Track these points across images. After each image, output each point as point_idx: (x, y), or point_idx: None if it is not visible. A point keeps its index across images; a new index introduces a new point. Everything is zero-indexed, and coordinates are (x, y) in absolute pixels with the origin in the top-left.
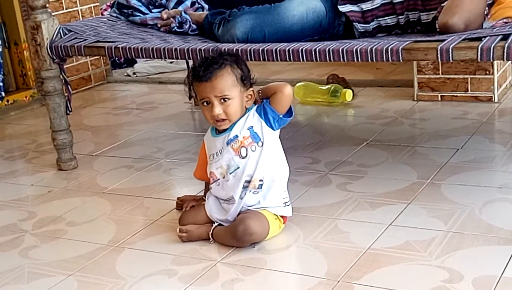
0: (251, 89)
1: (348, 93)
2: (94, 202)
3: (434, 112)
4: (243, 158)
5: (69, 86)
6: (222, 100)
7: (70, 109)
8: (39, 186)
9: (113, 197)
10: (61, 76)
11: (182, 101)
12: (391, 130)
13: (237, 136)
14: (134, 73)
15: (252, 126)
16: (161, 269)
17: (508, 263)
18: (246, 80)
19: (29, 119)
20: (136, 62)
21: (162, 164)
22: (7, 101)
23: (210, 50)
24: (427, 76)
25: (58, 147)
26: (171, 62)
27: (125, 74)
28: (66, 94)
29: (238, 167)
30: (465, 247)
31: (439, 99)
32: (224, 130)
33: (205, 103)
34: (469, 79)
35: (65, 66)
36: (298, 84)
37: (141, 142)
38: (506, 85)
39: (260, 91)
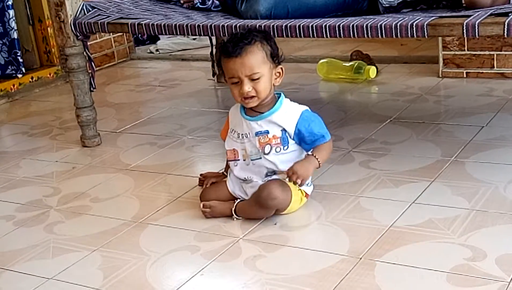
0: (280, 66)
1: (372, 70)
2: (118, 179)
3: (459, 89)
4: (266, 154)
5: (92, 63)
6: (252, 79)
7: (94, 86)
8: (63, 163)
9: (137, 173)
10: (84, 53)
11: (205, 78)
12: (415, 107)
13: (268, 131)
14: (157, 50)
15: (286, 130)
16: (184, 245)
17: None
18: (275, 57)
19: (53, 96)
20: (159, 39)
21: (185, 141)
22: (31, 78)
23: (234, 26)
24: (452, 53)
25: (82, 124)
26: (194, 39)
27: (148, 51)
28: (89, 71)
29: (260, 158)
30: (489, 225)
31: (465, 75)
32: (255, 115)
33: (233, 83)
34: (495, 55)
35: (88, 43)
36: (322, 60)
37: (164, 119)
38: None
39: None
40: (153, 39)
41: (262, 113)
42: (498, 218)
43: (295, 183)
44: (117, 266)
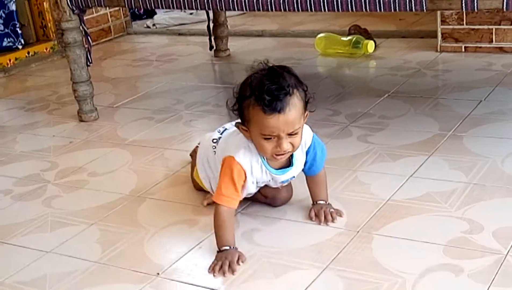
0: (307, 111)
1: (370, 44)
2: (115, 153)
3: (457, 63)
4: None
5: (89, 38)
6: (290, 134)
7: (90, 60)
8: (60, 137)
9: (134, 148)
10: (81, 27)
11: (202, 53)
12: (413, 81)
13: (294, 177)
14: (153, 25)
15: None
16: (182, 219)
17: None
18: (308, 103)
19: (49, 70)
20: (155, 13)
21: (182, 115)
22: (28, 53)
23: (231, 1)
24: (451, 27)
25: (79, 98)
26: (190, 14)
27: (145, 26)
28: (86, 46)
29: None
30: (486, 199)
31: (463, 50)
32: (283, 167)
33: (267, 138)
34: (494, 29)
35: (85, 18)
36: (320, 35)
37: (161, 94)
38: None
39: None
40: (150, 14)
41: (288, 164)
42: (495, 191)
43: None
44: (115, 239)
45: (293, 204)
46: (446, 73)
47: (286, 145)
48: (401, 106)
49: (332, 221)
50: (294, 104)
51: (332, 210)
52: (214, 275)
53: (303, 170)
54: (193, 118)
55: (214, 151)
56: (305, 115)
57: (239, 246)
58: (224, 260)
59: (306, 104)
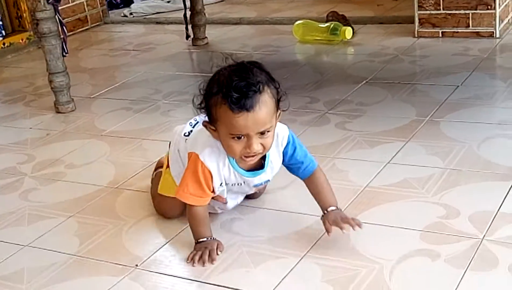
0: (279, 110)
1: (348, 31)
2: (93, 144)
3: (434, 48)
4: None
5: (64, 28)
6: (261, 134)
7: (66, 50)
8: (37, 129)
9: (112, 139)
10: (56, 17)
11: (180, 42)
12: (391, 67)
13: (269, 180)
14: (131, 14)
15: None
16: None
17: (505, 198)
18: (280, 100)
19: (26, 62)
20: (132, 2)
21: (160, 105)
22: (3, 44)
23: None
24: (428, 12)
25: (55, 89)
26: (168, 2)
27: (122, 15)
28: (61, 36)
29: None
30: (462, 184)
31: (440, 35)
32: (254, 169)
33: (236, 138)
34: (470, 14)
35: (60, 7)
36: (297, 22)
37: (139, 83)
38: (508, 20)
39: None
40: (127, 3)
41: (260, 166)
42: (471, 176)
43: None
44: (93, 232)
45: (272, 193)
46: (423, 59)
47: (256, 146)
48: (379, 92)
49: (359, 225)
50: (265, 102)
51: (350, 217)
52: (193, 265)
53: (297, 175)
54: (171, 108)
55: (186, 146)
56: (278, 114)
57: (218, 236)
58: (204, 249)
59: (278, 102)
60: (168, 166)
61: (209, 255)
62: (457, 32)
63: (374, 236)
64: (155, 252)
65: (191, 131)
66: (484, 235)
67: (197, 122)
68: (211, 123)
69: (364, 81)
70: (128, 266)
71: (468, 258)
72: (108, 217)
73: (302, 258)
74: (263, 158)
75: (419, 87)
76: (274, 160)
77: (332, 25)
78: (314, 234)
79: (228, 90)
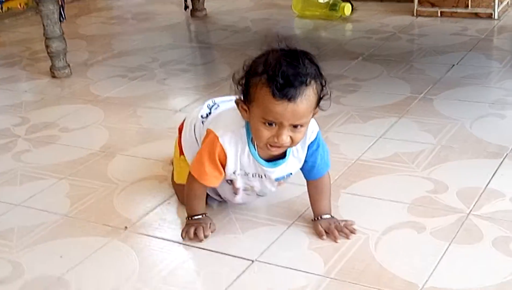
0: (317, 108)
1: (347, 7)
2: (87, 110)
3: (433, 27)
4: (279, 185)
5: None
6: (294, 126)
7: (64, 16)
8: (33, 93)
9: (107, 105)
10: None
11: (178, 12)
12: (388, 45)
13: (291, 174)
14: None
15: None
16: (152, 174)
17: (493, 176)
18: (322, 98)
19: (23, 26)
20: None
21: (156, 74)
22: (1, 8)
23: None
24: None
25: (52, 54)
26: None
27: None
28: (59, 1)
29: (271, 191)
30: (452, 160)
31: (439, 15)
32: (274, 160)
33: (267, 123)
34: None
35: None
36: None
37: (136, 52)
38: (508, 2)
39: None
40: None
41: (281, 156)
42: (461, 153)
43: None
44: (85, 194)
45: None
46: (421, 37)
47: (285, 137)
48: (375, 68)
49: (353, 232)
50: (308, 96)
51: (343, 223)
52: (189, 240)
53: (305, 173)
54: (168, 77)
55: (203, 125)
56: (315, 111)
57: (209, 201)
58: (198, 225)
59: (319, 99)
60: (181, 153)
61: (203, 231)
62: (456, 12)
63: (363, 207)
64: (145, 215)
65: (209, 113)
66: (471, 210)
67: (215, 104)
68: (245, 103)
69: (361, 57)
70: (117, 228)
71: (453, 231)
72: (100, 180)
73: (290, 226)
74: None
75: (415, 65)
76: (298, 152)
77: (331, 1)
78: (304, 203)
79: (275, 74)
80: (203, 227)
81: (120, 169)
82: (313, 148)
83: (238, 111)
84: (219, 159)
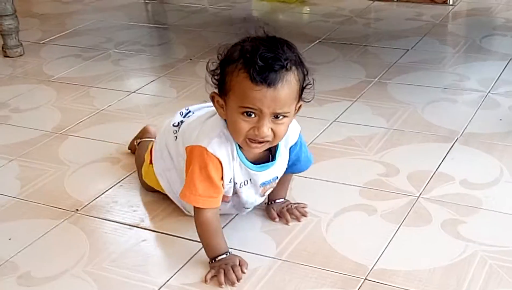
0: (301, 102)
1: None
2: (40, 90)
3: (388, 12)
4: (262, 196)
5: None
6: (275, 117)
7: None
8: None
9: (59, 85)
10: None
11: None
12: (344, 29)
13: (277, 177)
14: None
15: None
16: (104, 156)
17: (443, 159)
18: (305, 89)
19: None
20: None
21: (110, 54)
22: None
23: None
24: None
25: (4, 32)
26: None
27: None
28: None
29: (255, 201)
30: (404, 144)
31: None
32: (262, 163)
33: (246, 114)
34: None
35: None
36: None
37: (91, 31)
38: None
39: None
40: None
41: (269, 159)
42: (413, 137)
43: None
44: (35, 175)
45: None
46: (377, 22)
47: (266, 129)
48: (331, 52)
49: (304, 215)
50: (289, 82)
51: (294, 205)
52: (221, 287)
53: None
54: (122, 57)
55: (175, 137)
56: (298, 105)
57: None
58: (225, 267)
59: (302, 89)
60: (151, 161)
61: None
62: None
63: (316, 190)
64: (97, 197)
65: (182, 122)
66: (421, 193)
67: (189, 112)
68: (221, 95)
69: (317, 41)
70: (68, 210)
71: (403, 214)
72: (51, 161)
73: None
74: (272, 151)
75: (371, 49)
76: (283, 155)
77: None
78: None
79: (252, 57)
80: (232, 269)
81: (72, 151)
82: (296, 150)
83: (214, 118)
84: (216, 170)
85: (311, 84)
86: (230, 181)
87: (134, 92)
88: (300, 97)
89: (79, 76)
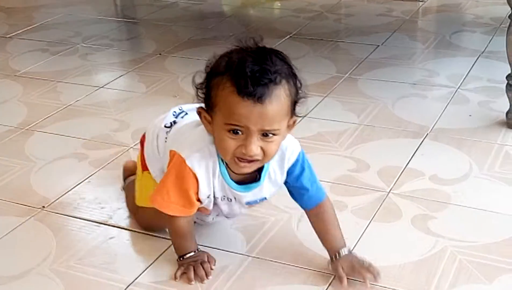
0: (295, 117)
1: None
2: (5, 84)
3: (359, 8)
4: (250, 207)
5: None
6: (264, 135)
7: None
8: None
9: (26, 80)
10: None
11: None
12: (315, 24)
13: (265, 198)
14: None
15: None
16: (71, 152)
17: (413, 155)
18: (297, 104)
19: None
20: None
21: (78, 48)
22: None
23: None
24: None
25: None
26: None
27: None
28: None
29: (240, 213)
30: (374, 139)
31: None
32: (246, 182)
33: (232, 131)
34: None
35: None
36: None
37: (58, 25)
38: None
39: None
40: None
41: (255, 179)
42: (383, 132)
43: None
44: (1, 172)
45: None
46: (347, 17)
47: (254, 148)
48: (302, 47)
49: (379, 273)
50: (278, 97)
51: (364, 261)
52: (190, 283)
53: (300, 203)
54: (90, 52)
55: (166, 139)
56: (292, 121)
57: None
58: (195, 264)
59: (294, 104)
60: (144, 168)
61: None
62: None
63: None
64: (64, 194)
65: (174, 122)
66: (391, 189)
67: (182, 112)
68: (208, 111)
69: (288, 36)
70: (34, 207)
71: (373, 209)
72: (17, 158)
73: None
74: (260, 170)
75: (341, 44)
76: (275, 175)
77: None
78: None
79: (239, 70)
80: (202, 265)
81: (39, 147)
82: (295, 173)
83: (202, 128)
84: (191, 185)
85: (304, 98)
86: (208, 197)
87: (102, 87)
88: (293, 112)
89: (46, 71)
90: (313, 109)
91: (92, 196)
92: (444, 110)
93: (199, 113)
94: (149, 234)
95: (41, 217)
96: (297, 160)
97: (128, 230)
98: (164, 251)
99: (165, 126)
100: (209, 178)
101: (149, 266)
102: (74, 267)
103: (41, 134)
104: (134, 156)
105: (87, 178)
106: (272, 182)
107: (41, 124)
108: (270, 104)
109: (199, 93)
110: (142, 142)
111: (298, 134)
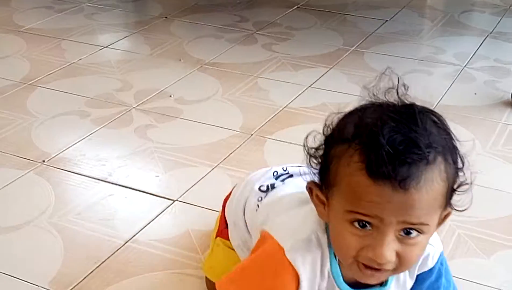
0: (450, 209)
1: None
2: (9, 40)
3: None
4: None
5: None
6: (405, 232)
7: None
8: None
9: (30, 36)
10: None
11: None
12: None
13: None
14: None
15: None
16: (73, 109)
17: None
18: (456, 190)
19: None
20: None
21: (84, 8)
22: None
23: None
24: None
25: None
26: None
27: None
28: None
29: None
30: None
31: None
32: (366, 286)
33: (358, 223)
34: None
35: None
36: None
37: None
38: None
39: None
40: None
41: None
42: None
43: None
44: (2, 124)
45: (190, 104)
46: None
47: (388, 252)
48: (309, 19)
49: None
50: (430, 181)
51: None
52: None
53: None
54: (95, 12)
55: (257, 206)
56: (445, 213)
57: (131, 141)
58: None
59: (452, 191)
60: (219, 234)
61: None
62: None
63: (286, 153)
64: (64, 150)
65: (273, 186)
66: None
67: (285, 174)
68: (322, 188)
69: (296, 6)
70: (34, 161)
71: None
72: (19, 112)
73: (214, 168)
74: None
75: (349, 18)
76: (404, 277)
77: None
78: (229, 147)
79: (372, 140)
80: None
81: (41, 102)
82: (430, 279)
83: (311, 207)
84: (287, 287)
85: (467, 183)
86: None
87: (106, 47)
88: (448, 202)
89: (51, 28)
90: (318, 79)
91: (93, 153)
92: (449, 88)
93: (309, 190)
94: (148, 193)
95: (41, 171)
96: (437, 266)
97: (128, 188)
98: (163, 211)
99: (260, 190)
100: (314, 280)
101: (148, 224)
102: (73, 221)
103: (44, 90)
104: (136, 116)
105: (88, 135)
106: (401, 287)
107: (44, 80)
108: (419, 192)
109: (311, 161)
110: (225, 202)
111: (302, 103)
